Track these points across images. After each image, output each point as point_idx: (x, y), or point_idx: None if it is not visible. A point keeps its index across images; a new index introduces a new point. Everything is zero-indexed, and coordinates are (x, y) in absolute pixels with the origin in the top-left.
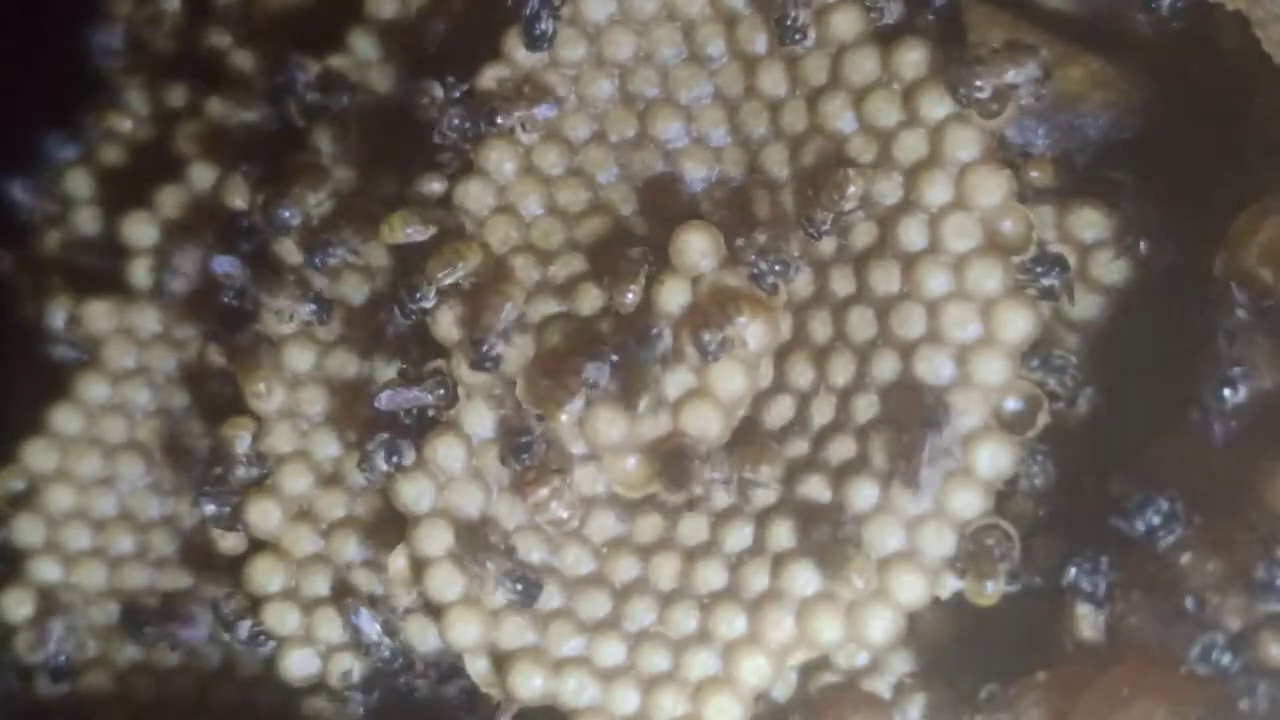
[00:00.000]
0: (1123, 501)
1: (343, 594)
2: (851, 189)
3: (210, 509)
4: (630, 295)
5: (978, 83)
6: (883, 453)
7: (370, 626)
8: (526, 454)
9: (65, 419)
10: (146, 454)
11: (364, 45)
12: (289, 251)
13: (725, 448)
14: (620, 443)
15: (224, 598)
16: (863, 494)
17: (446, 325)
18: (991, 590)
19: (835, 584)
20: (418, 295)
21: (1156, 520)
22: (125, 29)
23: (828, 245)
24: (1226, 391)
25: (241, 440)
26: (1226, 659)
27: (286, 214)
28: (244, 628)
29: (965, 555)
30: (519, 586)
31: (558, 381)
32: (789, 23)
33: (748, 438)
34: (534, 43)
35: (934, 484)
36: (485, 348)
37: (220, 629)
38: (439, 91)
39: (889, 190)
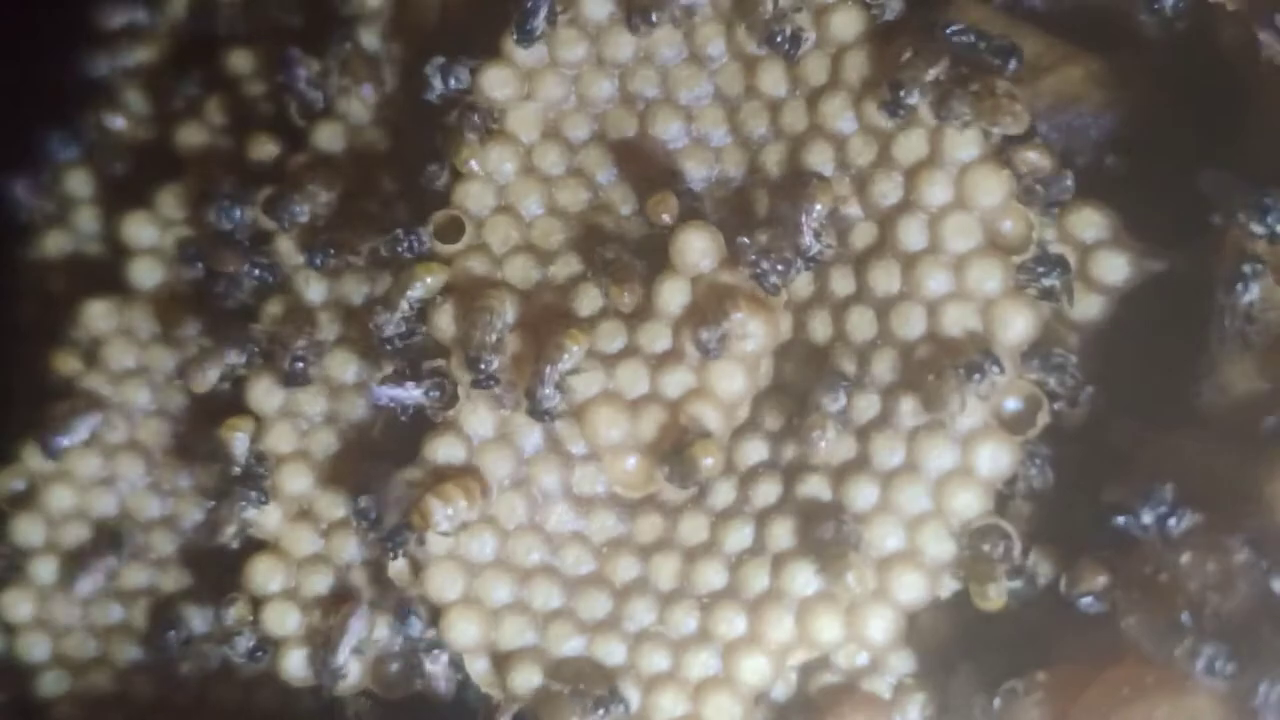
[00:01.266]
0: (1125, 500)
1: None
2: (817, 208)
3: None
4: (628, 296)
5: (958, 108)
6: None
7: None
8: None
9: None
10: (146, 454)
11: (368, 41)
12: (290, 252)
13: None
14: (620, 443)
15: (224, 605)
16: (863, 494)
17: (445, 325)
18: (995, 594)
19: (835, 584)
20: (384, 323)
21: (1164, 509)
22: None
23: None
24: (1240, 286)
25: (239, 440)
26: (1231, 667)
27: (298, 208)
28: (242, 642)
29: (965, 561)
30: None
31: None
32: (778, 40)
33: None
34: (525, 38)
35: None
36: (483, 365)
37: (219, 634)
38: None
39: (889, 190)
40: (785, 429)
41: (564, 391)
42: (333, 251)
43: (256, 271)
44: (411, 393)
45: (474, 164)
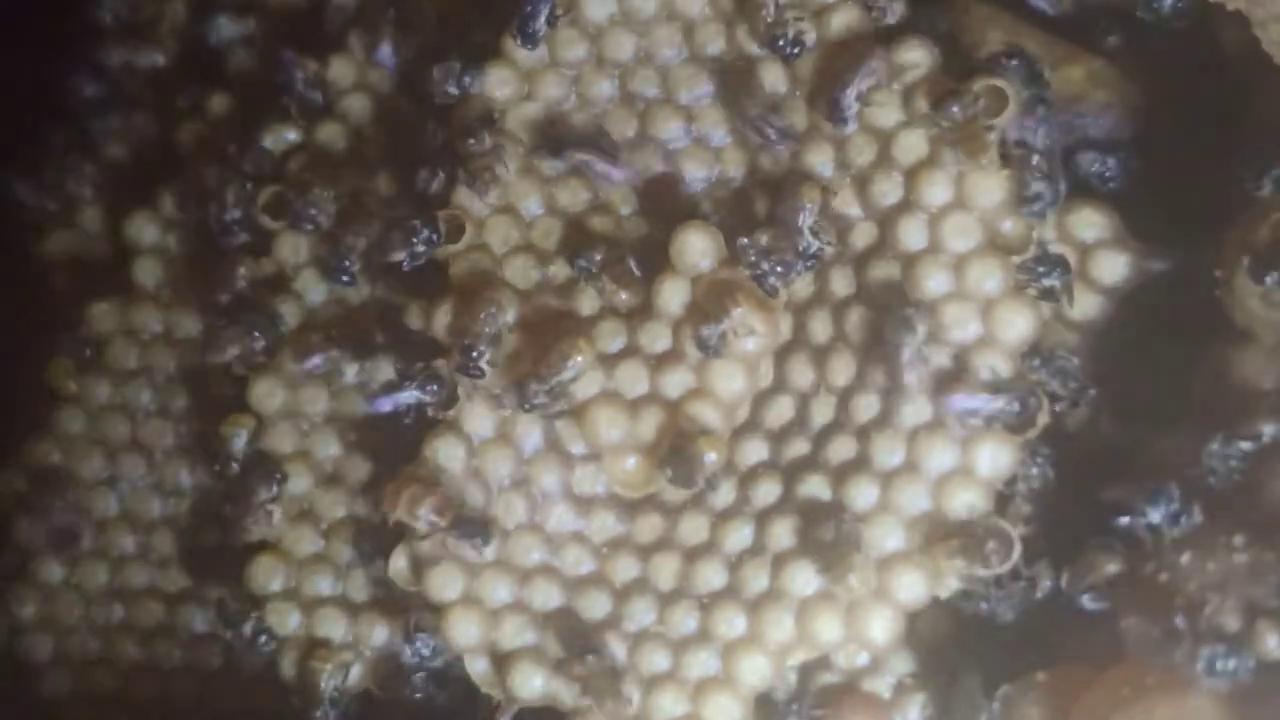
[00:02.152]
0: (1127, 500)
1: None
2: (808, 206)
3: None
4: (625, 294)
5: (954, 109)
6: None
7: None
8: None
9: (66, 419)
10: (147, 454)
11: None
12: (293, 251)
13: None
14: (620, 443)
15: (228, 595)
16: (863, 494)
17: (444, 325)
18: (963, 572)
19: (835, 584)
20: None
21: (1175, 506)
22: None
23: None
24: None
25: (239, 437)
26: (1232, 665)
27: (313, 210)
28: (247, 626)
29: (963, 533)
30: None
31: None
32: (780, 44)
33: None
34: (528, 40)
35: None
36: (475, 354)
37: (222, 626)
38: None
39: (889, 190)
40: (792, 424)
41: (558, 397)
42: (348, 262)
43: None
44: (410, 393)
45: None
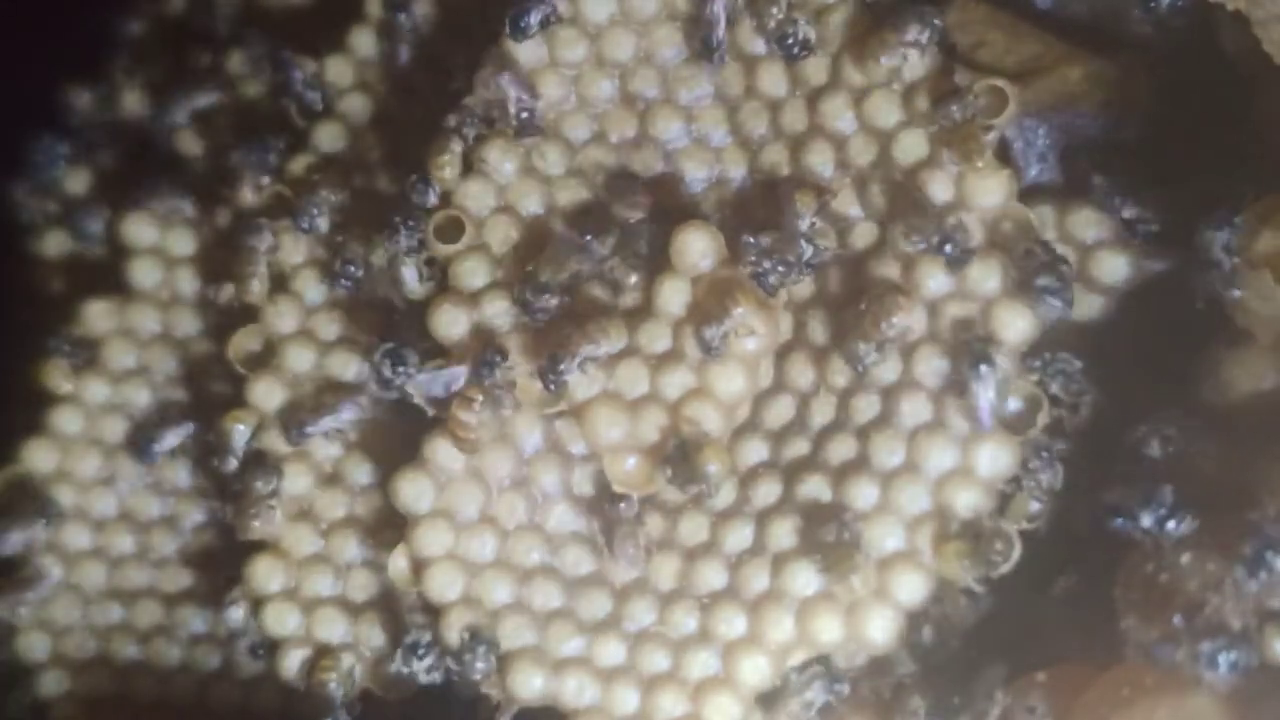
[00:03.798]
0: (1123, 501)
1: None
2: (802, 213)
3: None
4: (634, 279)
5: (954, 109)
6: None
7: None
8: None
9: (65, 419)
10: None
11: (364, 45)
12: (294, 251)
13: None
14: (620, 443)
15: (228, 603)
16: (863, 494)
17: (447, 325)
18: (969, 573)
19: (835, 584)
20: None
21: (1164, 511)
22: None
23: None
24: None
25: (240, 432)
26: (1234, 656)
27: (315, 211)
28: (243, 641)
29: (971, 535)
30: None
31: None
32: (789, 41)
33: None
34: (517, 34)
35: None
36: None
37: (223, 630)
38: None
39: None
40: (792, 424)
41: (583, 372)
42: (351, 266)
43: None
44: (456, 370)
45: (448, 172)
